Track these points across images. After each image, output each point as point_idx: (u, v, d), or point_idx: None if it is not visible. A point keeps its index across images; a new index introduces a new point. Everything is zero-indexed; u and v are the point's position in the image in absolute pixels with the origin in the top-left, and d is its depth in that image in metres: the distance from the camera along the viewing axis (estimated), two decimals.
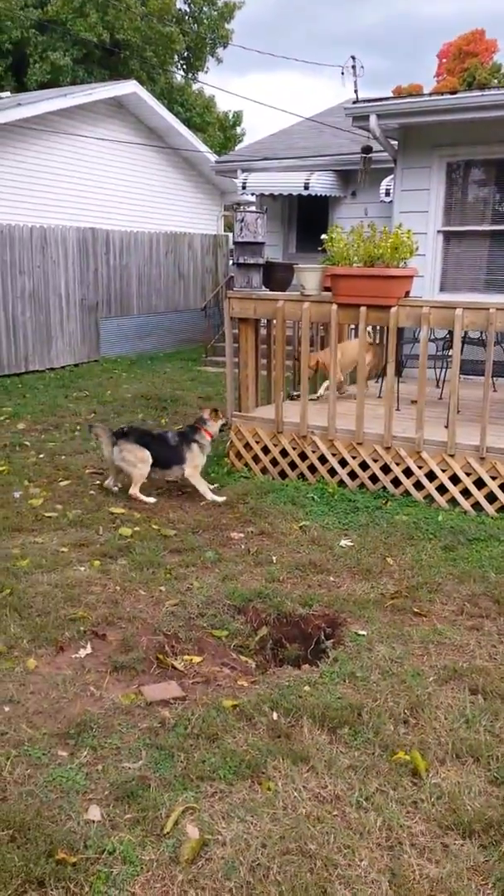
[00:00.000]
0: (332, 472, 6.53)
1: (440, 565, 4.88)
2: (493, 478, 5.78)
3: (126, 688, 3.57)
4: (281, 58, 22.38)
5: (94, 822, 2.69)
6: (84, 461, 7.41)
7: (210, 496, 6.28)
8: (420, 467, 6.13)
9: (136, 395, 10.93)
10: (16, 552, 5.05)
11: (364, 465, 6.38)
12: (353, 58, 15.34)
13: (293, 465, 6.78)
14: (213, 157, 17.82)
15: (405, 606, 4.35)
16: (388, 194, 12.26)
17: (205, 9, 29.41)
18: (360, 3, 79.95)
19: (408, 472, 6.19)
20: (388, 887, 2.45)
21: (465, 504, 5.86)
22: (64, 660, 3.77)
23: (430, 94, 9.46)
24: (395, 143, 9.74)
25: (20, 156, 13.76)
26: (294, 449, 6.72)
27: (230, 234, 17.18)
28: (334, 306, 6.28)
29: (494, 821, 2.69)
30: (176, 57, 29.78)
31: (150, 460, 6.24)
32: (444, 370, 7.92)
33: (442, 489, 6.04)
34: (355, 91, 10.93)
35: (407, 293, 6.21)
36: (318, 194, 13.94)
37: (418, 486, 6.16)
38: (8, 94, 18.85)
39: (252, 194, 14.92)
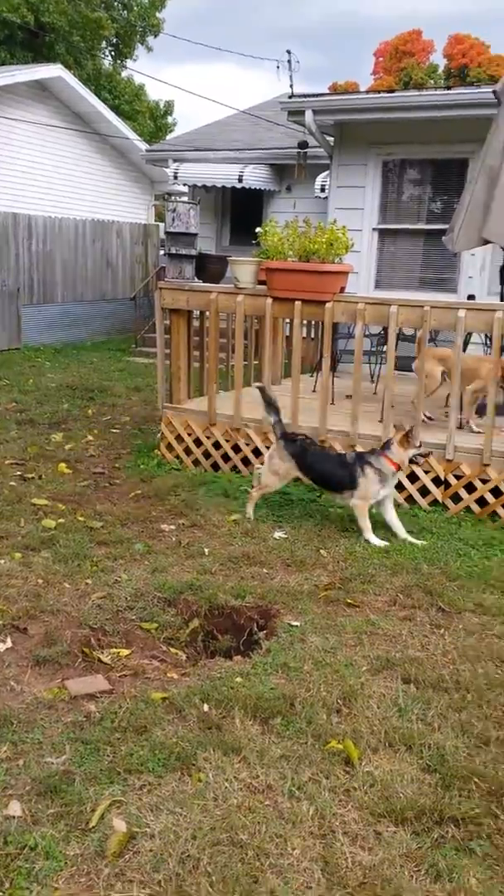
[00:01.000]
0: None
1: (373, 557, 4.90)
2: (426, 472, 5.85)
3: (49, 682, 3.42)
4: (215, 49, 22.31)
5: (14, 817, 2.56)
6: (3, 451, 7.12)
7: (372, 538, 5.18)
8: None
9: (60, 384, 10.62)
10: None
11: None
12: (289, 52, 15.45)
13: (226, 458, 6.70)
14: (143, 146, 17.55)
15: (338, 598, 4.33)
16: (323, 190, 12.33)
17: None
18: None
19: None
20: (321, 875, 2.40)
21: (399, 497, 5.91)
22: None
23: (367, 92, 9.58)
24: (332, 139, 9.80)
25: None
26: (227, 441, 6.65)
27: (161, 224, 16.96)
28: (269, 300, 6.24)
29: (427, 808, 2.68)
30: (104, 43, 29.23)
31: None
32: (378, 366, 8.00)
33: None
34: (290, 86, 10.96)
35: (342, 289, 6.23)
36: (253, 188, 13.89)
37: None
38: None
39: (184, 185, 14.73)
